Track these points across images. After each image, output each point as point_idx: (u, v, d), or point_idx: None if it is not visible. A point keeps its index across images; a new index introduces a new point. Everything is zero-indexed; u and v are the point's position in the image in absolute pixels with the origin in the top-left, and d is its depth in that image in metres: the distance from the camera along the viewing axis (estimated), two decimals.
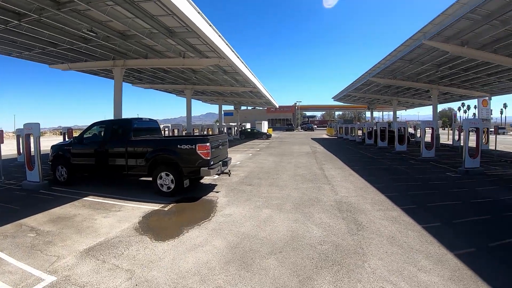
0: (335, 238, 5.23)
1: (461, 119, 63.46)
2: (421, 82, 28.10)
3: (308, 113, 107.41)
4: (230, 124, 43.77)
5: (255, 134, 40.35)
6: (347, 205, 7.40)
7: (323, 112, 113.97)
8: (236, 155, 18.28)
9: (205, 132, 32.51)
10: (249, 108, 77.95)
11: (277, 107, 60.35)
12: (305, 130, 73.19)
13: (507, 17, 12.66)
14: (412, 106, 50.99)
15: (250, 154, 18.98)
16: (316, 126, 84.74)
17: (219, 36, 15.62)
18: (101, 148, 9.21)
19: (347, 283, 3.76)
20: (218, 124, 39.35)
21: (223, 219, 6.11)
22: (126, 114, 21.95)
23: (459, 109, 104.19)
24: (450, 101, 41.94)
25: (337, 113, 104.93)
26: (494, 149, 21.14)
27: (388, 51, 21.18)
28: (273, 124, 79.71)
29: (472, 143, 13.68)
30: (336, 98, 48.57)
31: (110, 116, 32.24)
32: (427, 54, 19.17)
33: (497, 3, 11.70)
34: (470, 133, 13.95)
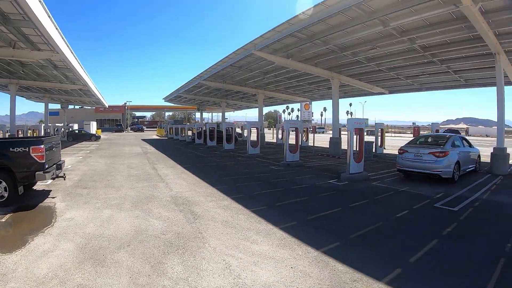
0: (176, 228, 5.77)
1: (285, 120, 71.82)
2: (249, 87, 31.09)
3: (138, 114, 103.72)
4: (57, 124, 39.37)
5: (83, 136, 37.19)
6: (182, 199, 8.04)
7: (153, 113, 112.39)
8: (66, 159, 16.93)
9: (29, 134, 28.54)
10: (77, 107, 71.13)
11: (107, 106, 57.02)
12: (135, 131, 71.26)
13: (328, 38, 15.40)
14: (240, 108, 55.50)
15: (81, 157, 17.82)
16: (145, 127, 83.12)
17: (57, 28, 14.29)
18: None
19: (194, 261, 4.35)
20: (43, 124, 35.09)
21: (66, 223, 5.91)
22: None
23: (283, 111, 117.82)
24: (275, 104, 47.27)
25: (167, 113, 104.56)
26: (313, 145, 25.19)
27: (221, 57, 22.79)
28: (102, 125, 74.34)
29: (293, 140, 16.16)
30: (167, 99, 48.88)
31: None
32: (255, 62, 21.39)
33: (320, 26, 14.21)
34: (291, 132, 16.53)
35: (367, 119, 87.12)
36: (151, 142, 34.58)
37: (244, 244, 5.00)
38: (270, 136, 43.05)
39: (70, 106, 59.71)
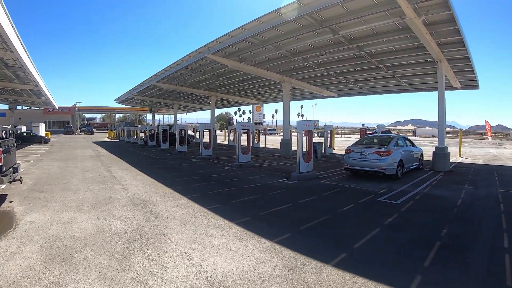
0: (137, 226, 6.10)
1: (237, 122, 72.11)
2: (202, 89, 31.37)
3: (88, 115, 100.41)
4: (4, 126, 37.10)
5: (32, 138, 35.27)
6: (140, 200, 8.36)
7: (104, 114, 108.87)
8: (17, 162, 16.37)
9: None
10: (25, 108, 67.28)
11: (57, 108, 54.64)
12: (85, 133, 68.74)
13: (280, 44, 16.13)
14: (193, 110, 55.43)
15: (32, 161, 17.25)
16: (95, 129, 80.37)
17: (13, 26, 13.75)
18: None
19: (157, 255, 4.73)
20: None
21: (28, 226, 5.99)
22: None
23: (235, 113, 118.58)
24: (227, 106, 47.67)
25: (118, 115, 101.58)
26: (264, 146, 25.95)
27: (175, 60, 22.84)
28: (50, 127, 71.21)
29: (245, 142, 16.77)
30: (118, 100, 47.68)
31: None
32: (209, 65, 21.76)
33: (273, 32, 14.89)
34: (243, 134, 17.11)
35: (318, 121, 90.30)
36: (102, 144, 33.78)
37: (203, 238, 5.45)
38: (222, 138, 43.48)
39: (18, 107, 56.53)
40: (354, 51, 16.51)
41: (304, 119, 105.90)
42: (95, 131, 75.60)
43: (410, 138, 16.88)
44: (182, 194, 9.08)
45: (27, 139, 34.94)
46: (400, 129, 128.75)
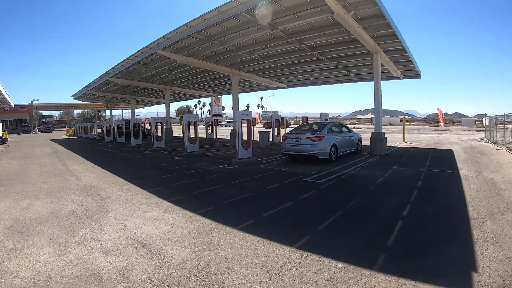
0: (85, 207, 7.28)
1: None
2: (156, 83, 31.98)
3: (46, 113, 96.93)
4: None
5: None
6: (90, 187, 9.49)
7: (62, 111, 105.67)
8: None
9: None
10: None
11: (13, 106, 53.27)
12: (43, 132, 67.03)
13: (225, 39, 17.25)
14: (150, 104, 55.63)
15: None
16: (54, 127, 78.19)
17: None
18: None
19: (98, 226, 5.97)
20: None
21: None
22: None
23: (195, 106, 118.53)
24: (184, 99, 48.24)
25: (76, 111, 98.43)
26: (215, 137, 27.29)
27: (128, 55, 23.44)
28: (7, 126, 69.12)
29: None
30: (75, 96, 46.72)
31: None
32: (160, 60, 22.56)
33: (216, 28, 15.88)
34: (192, 126, 18.30)
35: (277, 111, 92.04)
36: (60, 142, 33.72)
37: (138, 213, 6.73)
38: (179, 131, 44.18)
39: None
40: (295, 45, 17.79)
41: (264, 110, 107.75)
42: (53, 129, 73.84)
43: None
44: (129, 181, 10.28)
45: None
46: (360, 118, 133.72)
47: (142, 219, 6.34)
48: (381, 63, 18.14)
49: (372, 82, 17.39)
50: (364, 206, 6.98)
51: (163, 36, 18.02)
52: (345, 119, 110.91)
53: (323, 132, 13.45)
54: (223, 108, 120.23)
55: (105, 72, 29.86)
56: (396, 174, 10.75)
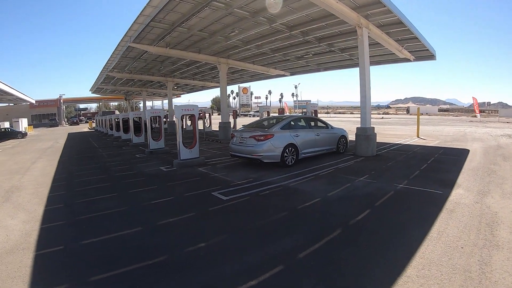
0: None
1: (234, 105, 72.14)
2: (156, 75, 31.10)
3: (82, 106, 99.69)
4: None
5: (8, 134, 35.84)
6: (15, 188, 9.36)
7: (100, 103, 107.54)
8: None
9: None
10: (11, 105, 67.85)
11: (33, 102, 55.17)
12: (71, 124, 70.77)
13: (190, 25, 15.82)
14: (160, 96, 55.09)
15: None
16: (83, 120, 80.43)
17: None
18: None
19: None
20: None
21: None
22: None
23: (228, 96, 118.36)
24: (194, 90, 46.97)
25: (112, 103, 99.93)
26: (204, 129, 25.95)
27: None
28: (39, 120, 72.69)
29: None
30: (92, 90, 47.19)
31: None
32: (145, 52, 20.92)
33: (174, 15, 14.46)
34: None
35: (310, 100, 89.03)
36: (72, 136, 34.31)
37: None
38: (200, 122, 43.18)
39: (3, 104, 57.79)
40: (267, 25, 15.29)
41: (298, 99, 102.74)
42: (83, 121, 76.51)
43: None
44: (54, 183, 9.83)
45: (3, 135, 35.45)
46: (399, 107, 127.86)
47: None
48: (376, 42, 15.84)
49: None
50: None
51: (130, 29, 16.63)
52: (378, 107, 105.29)
53: (274, 129, 10.76)
54: (259, 97, 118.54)
55: (104, 67, 29.34)
56: (346, 193, 7.51)
